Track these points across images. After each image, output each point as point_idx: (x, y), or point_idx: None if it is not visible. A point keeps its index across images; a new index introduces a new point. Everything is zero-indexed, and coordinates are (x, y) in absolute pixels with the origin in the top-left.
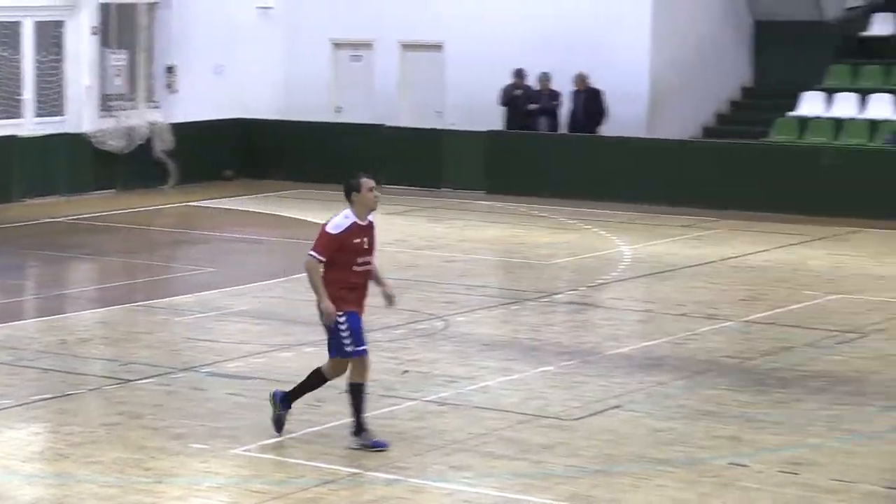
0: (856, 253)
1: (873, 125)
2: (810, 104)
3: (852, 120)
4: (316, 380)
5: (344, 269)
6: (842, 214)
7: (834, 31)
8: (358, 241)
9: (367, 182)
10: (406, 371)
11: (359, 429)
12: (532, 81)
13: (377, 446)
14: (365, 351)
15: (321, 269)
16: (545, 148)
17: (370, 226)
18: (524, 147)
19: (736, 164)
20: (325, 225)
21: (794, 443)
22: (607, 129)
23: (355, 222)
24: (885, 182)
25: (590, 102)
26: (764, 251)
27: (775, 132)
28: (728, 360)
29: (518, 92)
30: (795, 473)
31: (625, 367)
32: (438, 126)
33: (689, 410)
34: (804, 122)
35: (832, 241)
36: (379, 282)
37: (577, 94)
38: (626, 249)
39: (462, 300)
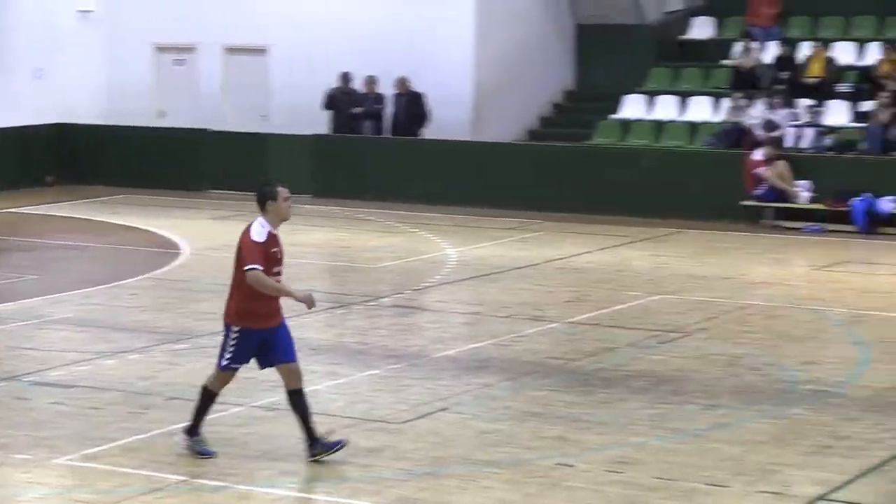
0: (677, 253)
1: (693, 127)
2: (632, 107)
3: (673, 122)
4: (207, 398)
5: None
6: (663, 216)
7: (654, 34)
8: (275, 250)
9: (283, 191)
10: None
11: (193, 431)
12: (359, 85)
13: (204, 454)
14: (236, 370)
15: (264, 275)
16: (369, 151)
17: (278, 235)
18: (349, 150)
19: (559, 167)
20: (246, 236)
21: (619, 442)
22: (432, 132)
23: (270, 231)
24: (704, 183)
25: (411, 106)
26: (587, 253)
27: (598, 135)
28: (553, 362)
29: (336, 88)
30: (620, 472)
31: (451, 370)
32: (264, 130)
33: (515, 412)
34: (626, 124)
35: (654, 242)
36: None
37: (398, 97)
38: (451, 252)
39: (288, 304)
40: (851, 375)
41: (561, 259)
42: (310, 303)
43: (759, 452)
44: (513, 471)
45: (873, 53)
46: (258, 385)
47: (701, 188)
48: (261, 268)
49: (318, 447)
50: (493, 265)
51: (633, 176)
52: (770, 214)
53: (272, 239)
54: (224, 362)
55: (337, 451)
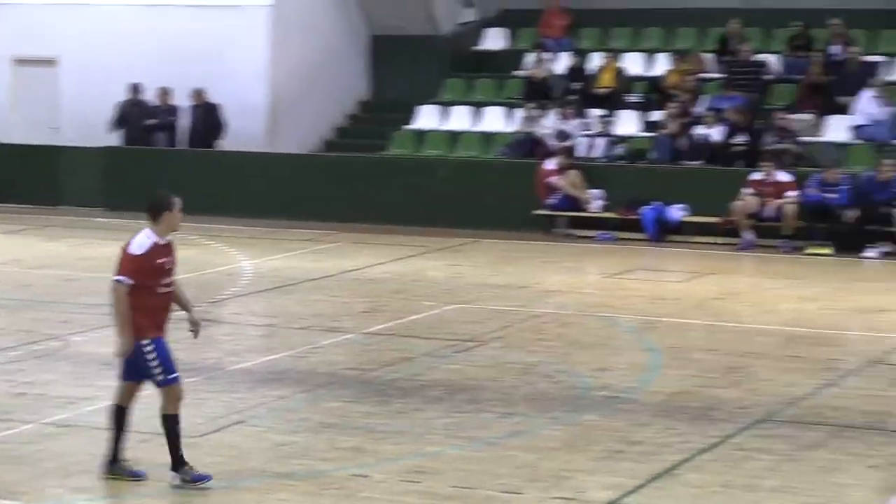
0: (472, 263)
1: (487, 137)
2: (426, 117)
3: (467, 132)
4: (172, 424)
5: (147, 292)
6: (458, 225)
7: (448, 45)
8: (161, 261)
9: (178, 201)
10: (22, 393)
11: (178, 463)
12: (153, 96)
13: (200, 479)
14: (177, 379)
15: (123, 296)
16: (163, 163)
17: (171, 246)
18: (143, 163)
19: (354, 178)
20: (126, 247)
21: (415, 451)
22: (228, 144)
23: (156, 242)
24: (499, 193)
25: (207, 117)
26: (383, 263)
27: (393, 145)
28: (349, 372)
29: (127, 101)
30: (417, 482)
31: (247, 382)
32: (54, 142)
33: (311, 423)
34: (421, 134)
35: (450, 251)
36: (185, 307)
37: (195, 108)
38: (247, 264)
39: (81, 319)
40: (642, 381)
41: (357, 270)
42: (120, 356)
43: (553, 459)
44: (309, 482)
45: (662, 64)
46: (48, 402)
47: (495, 198)
48: (130, 281)
49: (117, 468)
50: (288, 277)
51: (429, 186)
52: (563, 223)
53: (158, 250)
54: (159, 379)
55: (132, 479)
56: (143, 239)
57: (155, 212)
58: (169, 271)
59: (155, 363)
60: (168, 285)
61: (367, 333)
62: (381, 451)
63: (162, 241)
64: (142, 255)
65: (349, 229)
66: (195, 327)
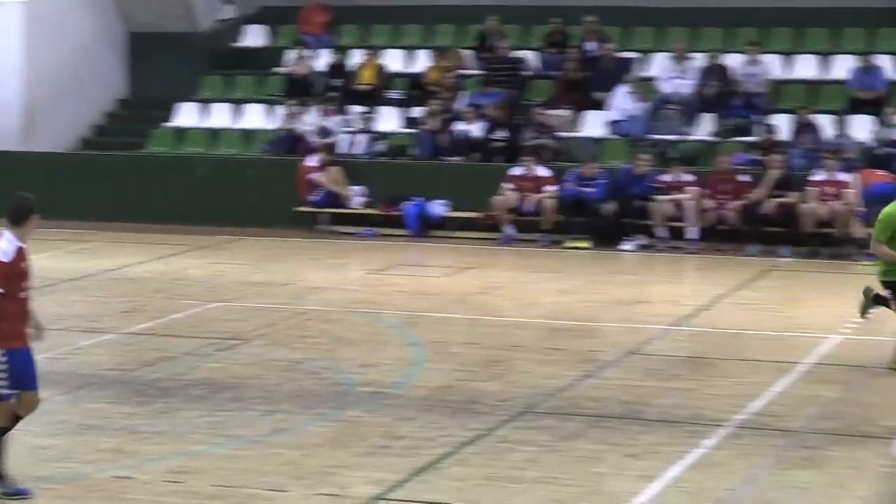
0: (235, 261)
1: (248, 135)
2: (186, 115)
3: (227, 130)
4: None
5: (9, 298)
6: (220, 223)
7: (207, 42)
8: (23, 265)
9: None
10: None
11: None
12: None
13: (20, 494)
14: (10, 397)
15: None
16: None
17: (26, 249)
18: None
19: (113, 176)
20: None
21: (178, 451)
22: None
23: (19, 246)
24: (261, 191)
25: None
26: (143, 262)
27: (152, 143)
28: (110, 373)
29: None
30: (180, 482)
31: None
32: None
33: (71, 425)
34: (181, 132)
35: (211, 250)
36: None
37: None
38: None
39: None
40: (406, 376)
41: (116, 269)
42: None
43: (318, 455)
44: (71, 486)
45: (422, 61)
46: None
47: (257, 195)
48: (2, 290)
49: (4, 483)
50: (46, 277)
51: (189, 184)
52: (325, 220)
53: (21, 253)
54: (1, 392)
55: (14, 496)
56: (6, 245)
57: (19, 216)
58: (27, 274)
59: (4, 375)
60: (26, 289)
61: (127, 333)
62: (144, 452)
63: (24, 245)
64: (10, 262)
65: (108, 228)
66: (38, 330)
